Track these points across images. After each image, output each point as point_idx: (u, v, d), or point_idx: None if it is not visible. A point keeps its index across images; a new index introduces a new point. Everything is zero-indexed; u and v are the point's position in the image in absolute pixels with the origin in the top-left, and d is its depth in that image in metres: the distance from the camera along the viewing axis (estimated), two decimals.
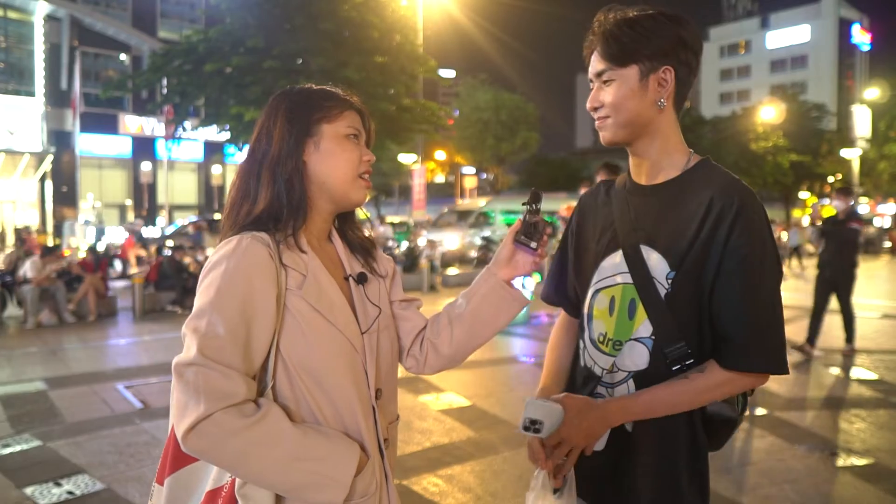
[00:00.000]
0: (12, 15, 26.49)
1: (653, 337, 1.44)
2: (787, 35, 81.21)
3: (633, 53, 1.42)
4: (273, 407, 1.24)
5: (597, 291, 1.55)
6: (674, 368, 1.42)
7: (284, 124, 1.39)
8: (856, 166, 38.78)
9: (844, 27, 75.99)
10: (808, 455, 4.56)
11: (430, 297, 13.30)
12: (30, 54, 26.89)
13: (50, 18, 27.09)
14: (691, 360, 1.41)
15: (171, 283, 12.12)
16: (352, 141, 1.43)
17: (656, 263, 1.44)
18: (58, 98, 27.09)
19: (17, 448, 4.79)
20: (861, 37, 73.54)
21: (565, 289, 1.73)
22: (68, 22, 27.45)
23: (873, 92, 41.75)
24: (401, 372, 1.60)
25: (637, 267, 1.46)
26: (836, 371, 7.03)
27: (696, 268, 1.39)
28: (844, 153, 40.08)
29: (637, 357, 1.46)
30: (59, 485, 4.11)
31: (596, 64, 1.48)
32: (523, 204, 1.51)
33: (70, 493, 4.00)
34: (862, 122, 38.55)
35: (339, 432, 1.31)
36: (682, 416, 1.43)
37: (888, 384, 6.49)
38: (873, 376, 6.80)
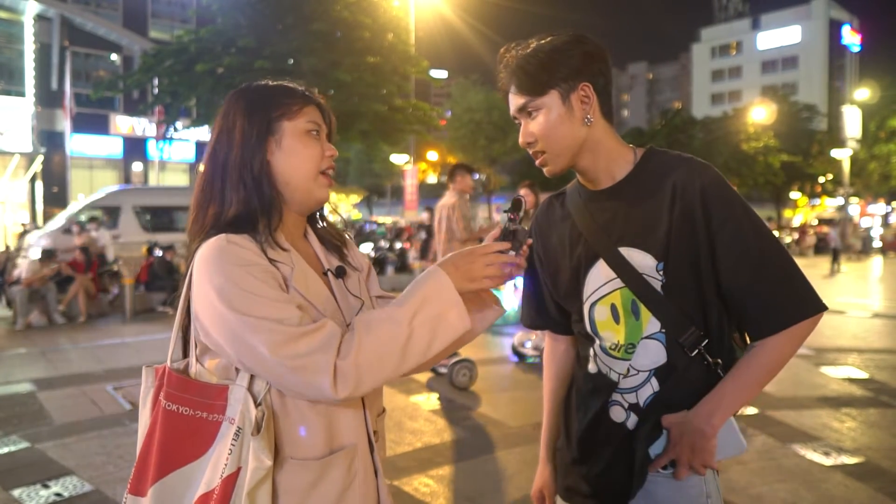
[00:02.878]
0: (2, 14, 26.27)
1: (663, 330, 1.45)
2: (778, 36, 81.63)
3: (549, 80, 1.45)
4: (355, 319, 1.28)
5: (593, 305, 1.54)
6: (692, 354, 1.44)
7: (244, 124, 1.36)
8: (846, 167, 39.00)
9: (835, 28, 76.36)
10: (800, 454, 4.56)
11: None
12: (20, 54, 26.67)
13: (40, 18, 26.87)
14: (706, 341, 1.44)
15: (161, 284, 12.07)
16: (313, 137, 1.40)
17: (642, 260, 1.45)
18: (48, 98, 26.90)
19: (5, 450, 4.75)
20: (851, 38, 73.89)
21: (546, 310, 1.73)
22: (59, 22, 27.25)
23: (863, 93, 42.05)
24: None
25: (623, 269, 1.46)
26: (826, 370, 7.05)
27: (684, 253, 1.42)
28: (835, 153, 40.30)
29: (654, 354, 1.46)
30: (46, 487, 4.08)
31: (516, 100, 1.50)
32: (504, 212, 1.48)
33: (58, 494, 3.97)
34: (852, 122, 38.80)
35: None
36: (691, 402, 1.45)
37: (879, 383, 6.51)
38: (864, 375, 6.82)
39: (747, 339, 1.52)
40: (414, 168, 28.46)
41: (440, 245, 6.60)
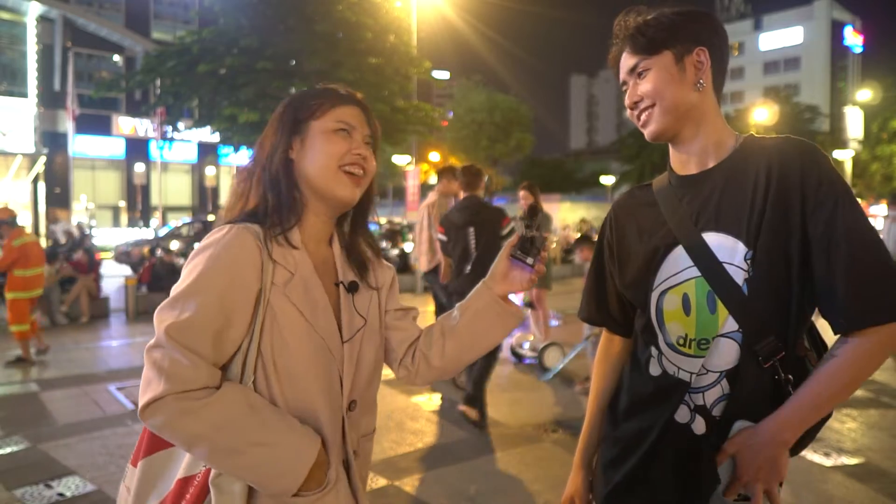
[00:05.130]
0: (5, 16, 26.34)
1: (740, 330, 1.32)
2: (780, 37, 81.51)
3: (665, 40, 1.41)
4: (231, 389, 1.24)
5: (663, 293, 1.43)
6: (765, 366, 1.31)
7: (277, 127, 1.42)
8: (848, 168, 38.95)
9: (837, 29, 76.29)
10: (800, 455, 4.56)
11: (423, 299, 13.30)
12: (22, 55, 26.74)
13: (43, 19, 26.95)
14: (783, 353, 1.31)
15: (163, 285, 12.07)
16: (340, 135, 1.41)
17: (729, 246, 1.34)
18: (51, 99, 26.98)
19: (8, 450, 4.76)
20: (853, 39, 73.87)
21: (607, 305, 1.65)
22: (61, 23, 27.31)
23: (866, 94, 41.98)
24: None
25: (702, 257, 1.36)
26: None
27: (777, 238, 1.30)
28: (837, 154, 40.25)
29: (726, 355, 1.34)
30: (49, 487, 4.09)
31: (627, 61, 1.46)
32: (520, 219, 1.49)
33: (60, 494, 3.99)
34: (854, 123, 38.76)
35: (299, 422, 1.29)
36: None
37: (879, 384, 6.51)
38: None
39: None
40: (416, 169, 28.39)
41: (422, 245, 6.81)
